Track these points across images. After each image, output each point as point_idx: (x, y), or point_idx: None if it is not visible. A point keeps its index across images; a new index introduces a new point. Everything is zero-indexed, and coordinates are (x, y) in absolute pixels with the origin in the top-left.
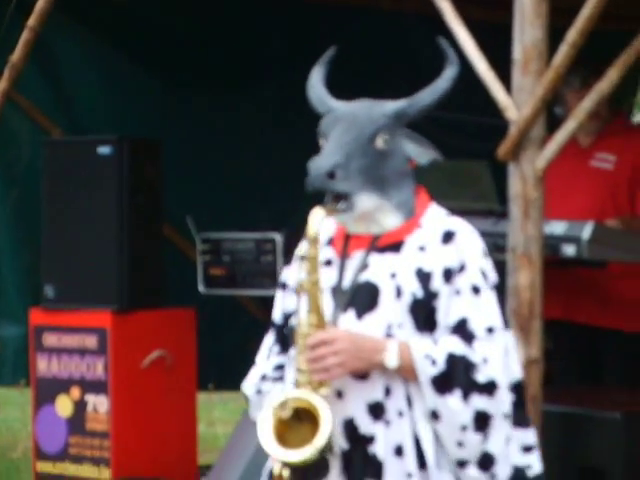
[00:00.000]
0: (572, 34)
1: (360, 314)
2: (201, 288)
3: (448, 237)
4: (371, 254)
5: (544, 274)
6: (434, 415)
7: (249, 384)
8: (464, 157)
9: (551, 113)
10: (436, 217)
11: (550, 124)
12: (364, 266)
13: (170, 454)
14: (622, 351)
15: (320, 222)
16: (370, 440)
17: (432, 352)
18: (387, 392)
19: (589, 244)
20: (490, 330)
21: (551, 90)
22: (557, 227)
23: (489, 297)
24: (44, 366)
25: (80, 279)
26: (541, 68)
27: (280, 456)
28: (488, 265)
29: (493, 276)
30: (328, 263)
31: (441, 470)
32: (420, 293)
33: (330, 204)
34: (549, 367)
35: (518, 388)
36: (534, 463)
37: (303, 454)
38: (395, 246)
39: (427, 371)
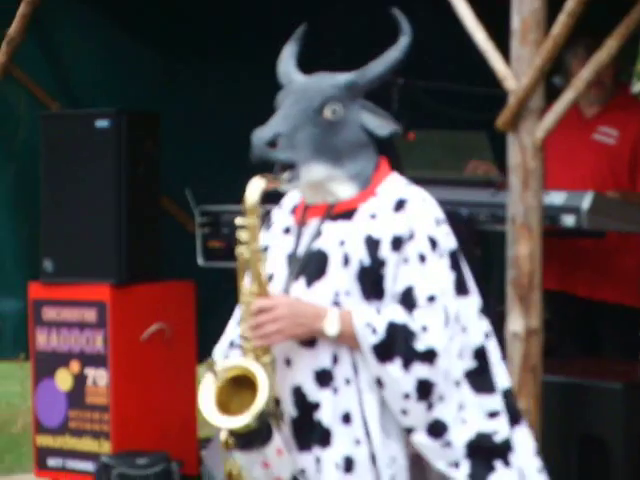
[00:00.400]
0: (570, 3)
1: (310, 282)
2: (200, 261)
3: (400, 205)
4: (325, 222)
5: (543, 244)
6: (379, 382)
7: (219, 351)
8: (463, 128)
9: (550, 83)
10: (393, 186)
11: (549, 94)
12: (318, 234)
13: (170, 427)
14: (620, 324)
15: (258, 191)
16: (317, 407)
17: (373, 320)
18: (335, 360)
19: (589, 214)
20: (432, 298)
21: (550, 60)
22: (556, 197)
23: (436, 265)
24: (43, 340)
25: (79, 253)
26: (540, 38)
27: (218, 423)
28: (440, 233)
29: (447, 244)
30: (287, 231)
31: (389, 437)
32: (367, 261)
33: (276, 174)
34: (548, 338)
35: (480, 354)
36: (500, 428)
37: (240, 421)
38: (348, 214)
39: (368, 339)
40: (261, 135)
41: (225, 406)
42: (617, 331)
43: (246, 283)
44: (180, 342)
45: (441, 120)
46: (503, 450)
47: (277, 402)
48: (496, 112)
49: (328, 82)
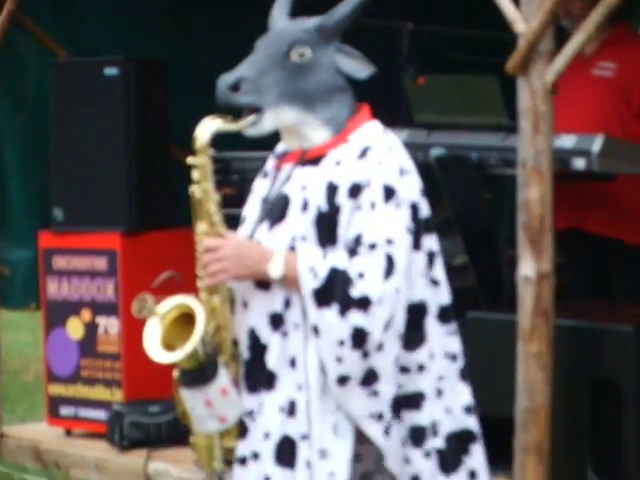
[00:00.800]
0: None
1: (272, 225)
2: None
3: (364, 152)
4: (296, 167)
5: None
6: (315, 330)
7: None
8: (473, 72)
9: (560, 26)
10: (367, 133)
11: (559, 37)
12: (287, 179)
13: None
14: (632, 262)
15: (209, 131)
16: (266, 349)
17: (316, 265)
18: (287, 304)
19: (599, 157)
20: (373, 246)
21: (559, 2)
22: (567, 140)
23: (384, 213)
24: (54, 289)
25: (89, 201)
26: None
27: (158, 359)
28: (401, 183)
29: (408, 195)
30: (265, 175)
31: (326, 392)
32: (325, 207)
33: (243, 117)
34: (560, 281)
35: (413, 310)
36: (405, 384)
37: (176, 356)
38: (317, 160)
39: (309, 284)
40: (225, 79)
41: (173, 345)
42: (630, 270)
43: (198, 222)
44: (192, 289)
45: (451, 65)
46: (397, 405)
47: (235, 344)
48: (506, 56)
49: (298, 26)
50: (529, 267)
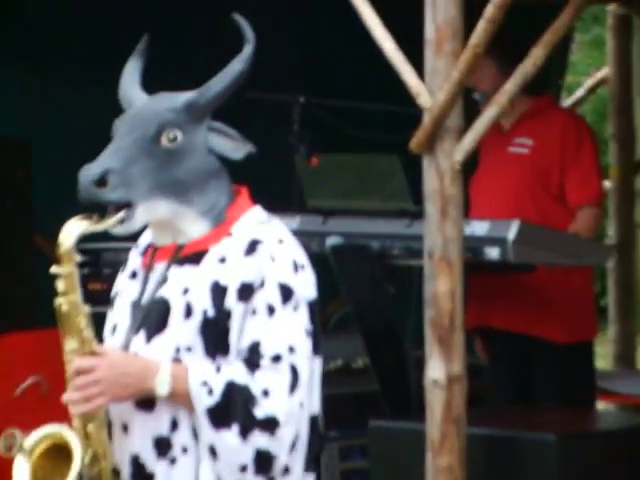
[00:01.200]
0: (490, 9)
1: (150, 336)
2: None
3: (252, 247)
4: (172, 266)
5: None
6: (212, 452)
7: None
8: (373, 151)
9: (469, 99)
10: (251, 224)
11: (468, 112)
12: (163, 280)
13: None
14: (554, 362)
15: (74, 235)
16: (153, 479)
17: (211, 380)
18: (174, 425)
19: (515, 245)
20: (277, 358)
21: (468, 73)
22: (479, 227)
23: (285, 318)
24: None
25: None
26: (457, 48)
27: None
28: (297, 280)
29: (305, 293)
30: (134, 275)
31: None
32: (212, 311)
33: (109, 215)
34: (478, 386)
35: (312, 424)
36: None
37: None
38: (197, 257)
39: (203, 401)
40: (88, 173)
41: (49, 476)
42: (552, 372)
43: (66, 340)
44: (59, 394)
45: (348, 142)
46: None
47: (117, 473)
48: (410, 132)
49: (164, 105)
50: (438, 369)
